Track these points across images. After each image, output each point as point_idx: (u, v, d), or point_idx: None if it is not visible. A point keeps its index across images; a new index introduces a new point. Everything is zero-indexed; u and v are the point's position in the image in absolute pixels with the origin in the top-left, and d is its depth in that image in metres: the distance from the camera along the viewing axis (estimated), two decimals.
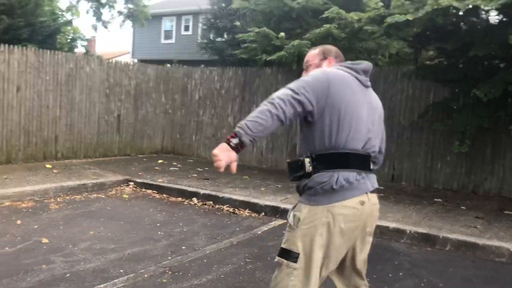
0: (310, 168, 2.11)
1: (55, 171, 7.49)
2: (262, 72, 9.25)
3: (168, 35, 25.28)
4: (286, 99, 2.00)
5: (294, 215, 2.14)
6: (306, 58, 2.42)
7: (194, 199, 6.56)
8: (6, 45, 7.59)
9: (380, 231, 5.12)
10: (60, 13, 11.02)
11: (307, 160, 2.13)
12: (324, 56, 2.36)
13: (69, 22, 11.40)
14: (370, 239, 2.31)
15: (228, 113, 9.66)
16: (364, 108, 2.17)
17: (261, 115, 1.97)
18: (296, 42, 7.80)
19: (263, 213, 6.02)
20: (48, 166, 7.75)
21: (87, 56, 9.77)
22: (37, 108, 8.04)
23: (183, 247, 4.58)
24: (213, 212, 6.10)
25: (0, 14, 8.39)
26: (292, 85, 2.07)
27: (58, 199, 6.18)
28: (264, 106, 2.00)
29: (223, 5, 11.72)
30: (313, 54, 2.40)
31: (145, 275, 3.81)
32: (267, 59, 8.55)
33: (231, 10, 10.83)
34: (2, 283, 3.50)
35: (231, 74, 9.70)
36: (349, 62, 2.28)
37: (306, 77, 2.15)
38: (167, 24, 25.29)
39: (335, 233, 2.08)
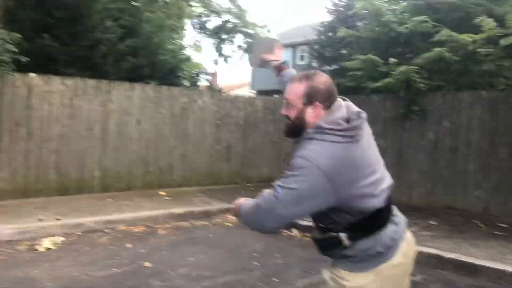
0: (347, 241, 1.85)
1: (167, 198, 8.00)
2: (369, 100, 8.97)
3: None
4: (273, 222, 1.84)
5: (336, 280, 1.92)
6: (287, 93, 1.95)
7: (294, 231, 6.48)
8: (129, 83, 8.43)
9: None
10: (180, 50, 11.91)
11: (342, 235, 1.86)
12: (309, 100, 1.87)
13: (187, 59, 12.30)
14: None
15: None
16: (372, 156, 1.90)
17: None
18: (403, 68, 7.46)
19: None
20: (162, 193, 8.31)
21: (200, 90, 10.42)
22: (155, 139, 8.73)
23: (276, 279, 4.52)
24: (311, 244, 5.95)
25: (126, 55, 9.38)
26: (281, 202, 1.77)
27: (166, 225, 6.56)
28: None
29: (330, 34, 11.73)
30: (296, 91, 1.90)
31: None
32: (374, 86, 8.29)
33: (337, 39, 10.78)
34: None
35: None
36: (339, 117, 1.84)
37: (294, 184, 1.74)
38: (284, 55, 26.02)
39: None
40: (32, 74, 7.28)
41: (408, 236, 2.00)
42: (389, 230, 1.88)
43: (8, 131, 7.08)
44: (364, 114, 1.90)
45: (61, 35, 8.29)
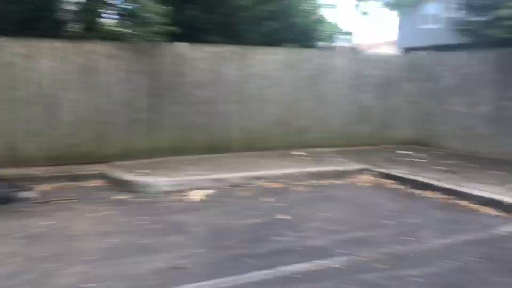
0: None
1: (303, 158, 8.28)
2: None
3: (431, 20, 24.04)
4: None
5: None
6: None
7: (431, 192, 6.25)
8: (267, 47, 8.77)
9: None
10: (315, 11, 11.87)
11: None
12: None
13: (323, 19, 12.22)
14: None
15: (483, 101, 8.69)
16: None
17: None
18: None
19: (509, 212, 5.29)
20: (298, 153, 8.62)
21: (335, 51, 10.34)
22: (292, 101, 9.02)
23: (408, 238, 4.50)
24: (449, 206, 5.70)
25: (263, 20, 9.71)
26: None
27: (303, 183, 6.85)
28: None
29: None
30: None
31: (364, 258, 3.94)
32: None
33: None
34: (243, 246, 4.20)
35: (486, 57, 8.67)
36: None
37: None
38: (430, 8, 24.06)
39: None
40: (180, 43, 8.04)
41: None
42: None
43: (164, 96, 7.99)
44: None
45: (203, 4, 8.92)
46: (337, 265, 3.79)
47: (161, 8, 7.70)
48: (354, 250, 4.12)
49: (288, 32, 10.19)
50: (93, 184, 6.61)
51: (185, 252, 4.01)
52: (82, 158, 7.41)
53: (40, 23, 8.43)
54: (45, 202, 5.61)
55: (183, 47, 8.08)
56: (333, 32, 14.01)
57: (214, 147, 8.41)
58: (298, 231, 4.66)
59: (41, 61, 7.17)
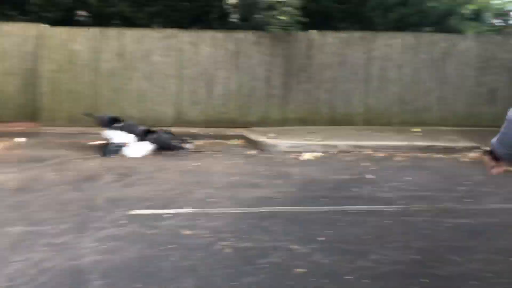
0: None
1: (417, 134, 9.04)
2: None
3: None
4: None
5: None
6: None
7: None
8: (391, 32, 9.61)
9: None
10: None
11: None
12: None
13: (467, 1, 12.21)
14: None
15: None
16: None
17: None
18: None
19: None
20: (415, 130, 9.37)
21: (460, 35, 10.52)
22: (413, 82, 9.74)
23: (468, 200, 5.28)
24: None
25: (395, 6, 10.47)
26: None
27: (404, 154, 7.76)
28: None
29: None
30: None
31: (416, 208, 4.95)
32: None
33: None
34: (325, 191, 5.56)
35: None
36: None
37: None
38: None
39: None
40: (311, 31, 9.45)
41: None
42: None
43: (295, 76, 9.55)
44: None
45: None
46: (390, 210, 4.90)
47: (298, 1, 9.20)
48: (413, 202, 5.14)
49: (421, 17, 10.71)
50: (233, 143, 8.58)
51: (280, 190, 5.54)
52: (229, 123, 9.49)
53: (207, 16, 10.71)
54: (197, 151, 7.71)
55: (313, 34, 9.49)
56: (484, 11, 13.67)
57: (337, 121, 9.70)
58: (375, 187, 5.78)
59: (203, 47, 9.34)
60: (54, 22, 9.61)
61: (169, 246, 3.68)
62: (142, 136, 7.55)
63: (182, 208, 4.69)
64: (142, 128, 7.66)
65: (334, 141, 8.15)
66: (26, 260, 3.40)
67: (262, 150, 7.90)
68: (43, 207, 4.66)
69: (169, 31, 9.31)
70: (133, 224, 4.21)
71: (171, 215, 4.49)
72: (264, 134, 8.69)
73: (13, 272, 3.21)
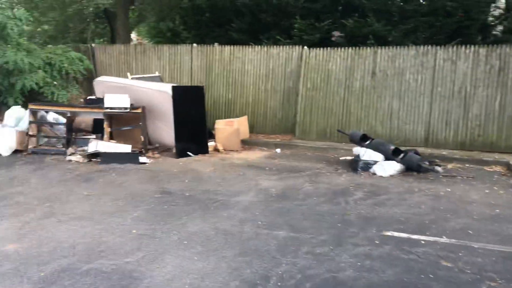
0: None
1: None
2: None
3: None
4: None
5: None
6: None
7: None
8: None
9: None
10: None
11: None
12: None
13: None
14: None
15: None
16: None
17: None
18: None
19: None
20: None
21: None
22: None
23: None
24: None
25: None
26: None
27: None
28: None
29: None
30: None
31: None
32: None
33: None
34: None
35: None
36: None
37: None
38: None
39: None
40: None
41: None
42: None
43: None
44: None
45: None
46: None
47: None
48: None
49: None
50: (490, 169, 7.71)
51: None
52: (485, 147, 8.60)
53: (466, 30, 9.99)
54: (448, 175, 7.22)
55: None
56: None
57: None
58: None
59: (460, 63, 8.73)
60: (313, 44, 10.45)
61: (430, 276, 3.54)
62: (391, 155, 7.49)
63: (440, 237, 4.45)
64: (391, 147, 7.61)
65: None
66: (293, 265, 3.76)
67: None
68: (303, 215, 5.09)
69: (424, 48, 9.00)
70: (387, 245, 4.21)
71: (427, 242, 4.31)
72: None
73: (282, 272, 3.60)
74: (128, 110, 8.25)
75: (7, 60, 8.96)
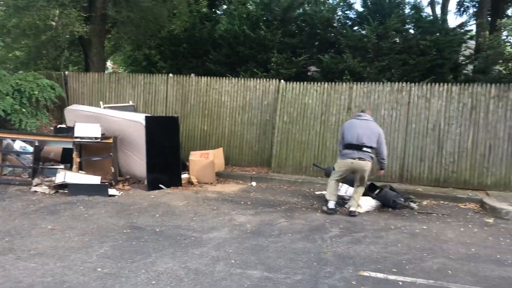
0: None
1: None
2: None
3: None
4: None
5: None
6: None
7: None
8: None
9: None
10: None
11: None
12: None
13: None
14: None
15: None
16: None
17: None
18: None
19: None
20: None
21: None
22: None
23: None
24: None
25: None
26: None
27: None
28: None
29: None
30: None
31: None
32: None
33: None
34: None
35: None
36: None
37: None
38: None
39: None
40: None
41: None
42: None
43: None
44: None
45: None
46: None
47: None
48: None
49: None
50: (464, 206, 7.73)
51: None
52: (459, 184, 8.66)
53: (439, 69, 10.23)
54: (423, 212, 7.18)
55: None
56: None
57: None
58: None
59: (434, 101, 8.87)
60: (290, 78, 10.52)
61: None
62: (366, 190, 7.43)
63: (417, 277, 4.33)
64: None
65: None
66: None
67: (502, 218, 6.88)
68: (278, 253, 4.91)
69: (398, 85, 9.14)
70: (364, 287, 4.06)
71: (404, 283, 4.18)
72: (505, 200, 7.60)
73: None
74: (98, 140, 8.02)
75: None
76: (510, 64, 9.28)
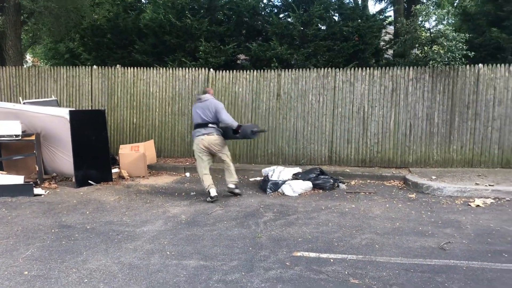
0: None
1: None
2: None
3: None
4: None
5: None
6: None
7: None
8: None
9: None
10: None
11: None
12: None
13: None
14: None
15: None
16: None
17: None
18: None
19: None
20: None
21: None
22: None
23: None
24: None
25: None
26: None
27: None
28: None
29: None
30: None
31: None
32: None
33: None
34: (506, 245, 4.89)
35: None
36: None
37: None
38: None
39: None
40: (479, 65, 8.71)
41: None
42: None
43: (459, 113, 8.85)
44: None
45: (509, 26, 9.22)
46: None
47: (463, 36, 8.62)
48: None
49: None
50: (389, 184, 8.19)
51: (450, 240, 5.04)
52: (384, 163, 9.14)
53: (361, 54, 10.64)
54: (352, 192, 7.52)
55: (480, 69, 8.72)
56: None
57: (509, 163, 8.65)
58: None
59: (358, 85, 9.25)
60: (219, 67, 10.48)
61: None
62: (297, 174, 7.64)
63: (348, 254, 4.55)
64: (253, 128, 7.54)
65: (509, 186, 7.24)
66: None
67: (423, 193, 7.38)
68: (213, 241, 4.94)
69: (324, 71, 9.44)
70: (297, 267, 4.20)
71: (336, 260, 4.38)
72: (425, 175, 8.13)
73: None
74: (19, 138, 7.57)
75: None
76: (425, 48, 9.83)
